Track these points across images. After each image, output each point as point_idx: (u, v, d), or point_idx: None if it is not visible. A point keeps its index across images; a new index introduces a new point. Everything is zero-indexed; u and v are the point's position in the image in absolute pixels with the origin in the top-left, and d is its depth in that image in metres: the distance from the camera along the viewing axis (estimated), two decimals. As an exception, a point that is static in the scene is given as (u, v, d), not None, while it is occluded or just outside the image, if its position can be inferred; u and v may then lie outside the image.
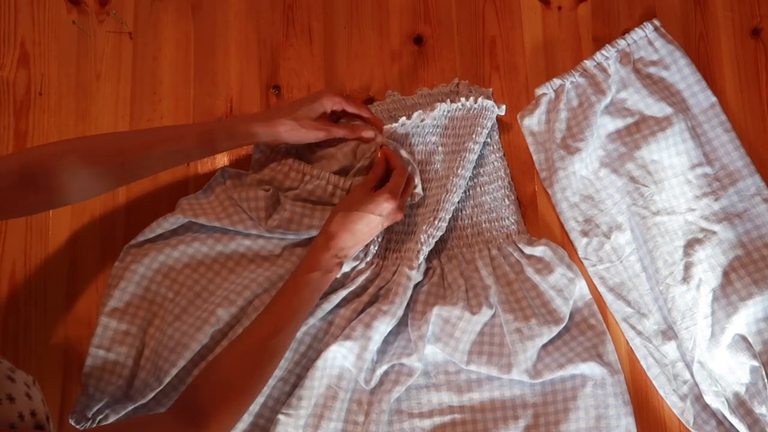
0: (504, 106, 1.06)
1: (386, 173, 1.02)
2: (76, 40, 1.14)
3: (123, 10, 1.15)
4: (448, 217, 1.02)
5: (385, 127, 1.05)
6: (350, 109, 1.06)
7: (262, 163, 1.07)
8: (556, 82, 1.06)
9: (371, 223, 0.95)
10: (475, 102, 1.04)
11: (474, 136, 1.03)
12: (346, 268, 1.02)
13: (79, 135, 1.11)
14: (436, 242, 1.03)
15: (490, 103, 1.04)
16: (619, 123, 1.05)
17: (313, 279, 0.93)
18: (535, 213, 1.07)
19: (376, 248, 1.03)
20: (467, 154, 1.03)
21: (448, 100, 1.05)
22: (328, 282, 0.96)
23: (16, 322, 1.05)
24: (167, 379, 0.97)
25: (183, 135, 0.97)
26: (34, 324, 1.05)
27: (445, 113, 1.06)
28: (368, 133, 1.05)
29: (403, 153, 1.03)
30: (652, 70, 1.06)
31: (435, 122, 1.06)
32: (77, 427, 0.97)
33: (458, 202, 1.06)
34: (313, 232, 1.03)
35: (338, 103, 1.05)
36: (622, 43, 1.06)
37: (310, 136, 1.02)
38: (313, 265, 0.94)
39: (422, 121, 1.04)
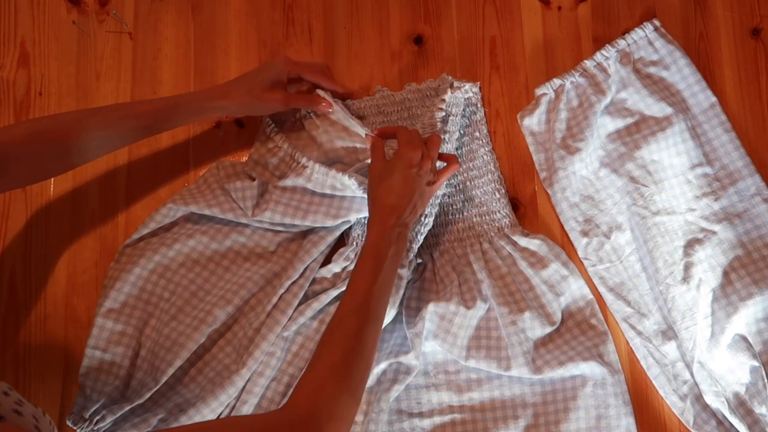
0: (463, 86, 1.06)
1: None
2: (76, 40, 1.14)
3: (123, 10, 1.15)
4: (434, 211, 1.02)
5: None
6: (307, 77, 1.05)
7: (263, 141, 1.08)
8: (556, 82, 1.06)
9: (407, 177, 0.93)
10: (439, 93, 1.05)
11: (447, 126, 1.04)
12: (336, 269, 1.02)
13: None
14: (427, 237, 1.03)
15: (448, 92, 1.05)
16: (619, 123, 1.05)
17: (380, 254, 0.90)
18: (535, 213, 1.07)
19: None
20: (442, 146, 1.03)
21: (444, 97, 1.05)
22: (397, 254, 0.92)
23: (16, 323, 1.05)
24: (164, 379, 0.98)
25: (139, 113, 0.96)
26: (34, 324, 1.05)
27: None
28: (325, 107, 1.03)
29: (357, 124, 1.03)
30: (652, 70, 1.06)
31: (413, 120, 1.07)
32: (74, 428, 0.97)
33: (448, 196, 1.07)
34: (302, 226, 1.03)
35: (293, 70, 1.03)
36: (622, 43, 1.06)
37: (265, 108, 1.02)
38: (374, 242, 0.91)
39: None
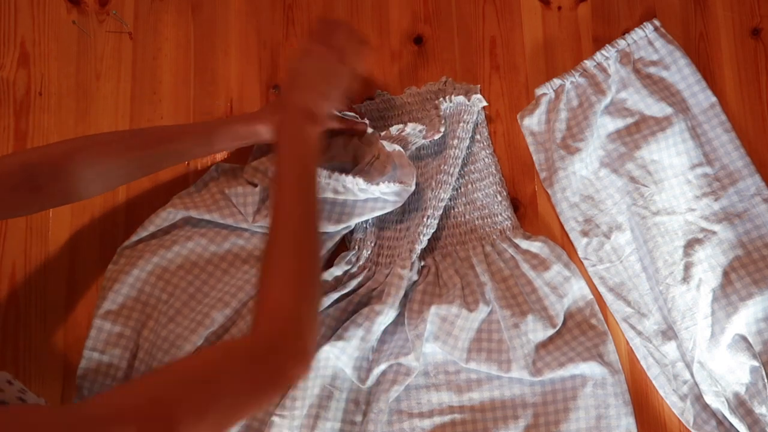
0: (476, 96, 1.06)
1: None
2: (76, 40, 1.14)
3: (123, 10, 1.15)
4: (438, 214, 1.02)
5: (382, 134, 1.04)
6: None
7: (264, 151, 1.07)
8: (556, 82, 1.06)
9: (307, 61, 0.95)
10: (468, 99, 1.04)
11: (457, 132, 1.04)
12: (338, 272, 1.02)
13: (79, 135, 1.11)
14: (430, 241, 1.03)
15: (466, 98, 1.05)
16: (619, 123, 1.05)
17: (294, 156, 0.91)
18: (535, 213, 1.07)
19: (369, 252, 1.03)
20: (451, 151, 1.03)
21: (444, 98, 1.05)
22: (305, 147, 0.92)
23: (16, 322, 1.05)
24: (161, 381, 0.97)
25: (172, 137, 0.96)
26: (34, 324, 1.05)
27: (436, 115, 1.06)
28: (360, 126, 1.03)
29: (393, 146, 1.02)
30: (652, 70, 1.06)
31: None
32: None
33: (450, 199, 1.06)
34: None
35: None
36: (622, 43, 1.06)
37: None
38: (284, 149, 0.91)
39: (420, 131, 1.04)
